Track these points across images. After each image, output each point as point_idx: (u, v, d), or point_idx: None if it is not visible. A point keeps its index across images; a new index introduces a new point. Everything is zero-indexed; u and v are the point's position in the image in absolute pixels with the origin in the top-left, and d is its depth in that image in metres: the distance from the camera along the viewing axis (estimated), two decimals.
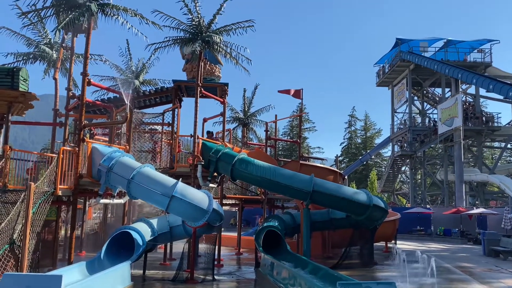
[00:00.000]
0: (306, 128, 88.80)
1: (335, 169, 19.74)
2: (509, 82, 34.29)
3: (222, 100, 17.12)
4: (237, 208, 20.62)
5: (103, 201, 12.79)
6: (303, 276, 9.50)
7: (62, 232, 16.00)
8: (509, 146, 46.08)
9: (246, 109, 23.03)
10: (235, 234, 22.00)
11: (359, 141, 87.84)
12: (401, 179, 55.60)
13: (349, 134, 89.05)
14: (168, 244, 16.90)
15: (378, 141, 73.26)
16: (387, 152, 67.23)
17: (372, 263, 16.39)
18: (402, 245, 25.89)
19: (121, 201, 13.55)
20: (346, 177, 49.98)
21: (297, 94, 21.42)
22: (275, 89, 21.72)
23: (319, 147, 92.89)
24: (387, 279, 13.09)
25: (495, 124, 40.77)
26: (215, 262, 16.09)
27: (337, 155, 29.19)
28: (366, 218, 15.31)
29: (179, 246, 17.92)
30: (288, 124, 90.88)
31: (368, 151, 62.83)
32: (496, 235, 21.40)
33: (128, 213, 14.66)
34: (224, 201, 22.38)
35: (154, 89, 17.60)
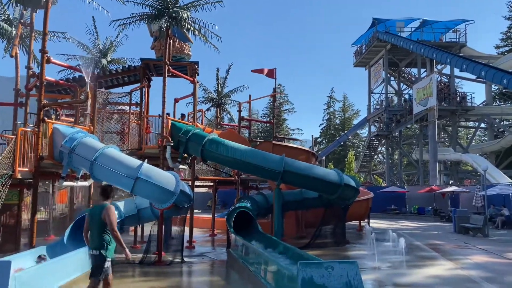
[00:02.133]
0: (285, 110, 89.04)
1: (308, 149, 19.61)
2: (482, 62, 34.60)
3: (192, 79, 16.69)
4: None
5: (66, 183, 12.38)
6: (267, 256, 9.35)
7: (27, 216, 15.49)
8: (482, 125, 46.80)
9: (220, 90, 22.61)
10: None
11: (338, 122, 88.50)
12: (378, 159, 56.18)
13: (328, 116, 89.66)
14: (139, 227, 16.63)
15: (356, 122, 73.75)
16: (364, 132, 67.87)
17: (344, 242, 16.43)
18: (376, 224, 26.16)
19: (86, 183, 13.15)
20: (324, 157, 50.19)
21: (271, 73, 21.07)
22: (250, 70, 21.33)
23: (298, 129, 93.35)
24: (357, 258, 13.12)
25: (469, 104, 41.30)
26: (187, 244, 15.99)
27: (312, 135, 29.11)
28: (338, 197, 15.28)
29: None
30: (268, 105, 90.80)
31: (346, 131, 63.03)
32: (466, 213, 21.73)
33: (94, 196, 14.27)
34: (201, 183, 22.18)
35: (121, 68, 17.04)
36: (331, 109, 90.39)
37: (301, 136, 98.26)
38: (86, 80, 11.44)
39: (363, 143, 73.49)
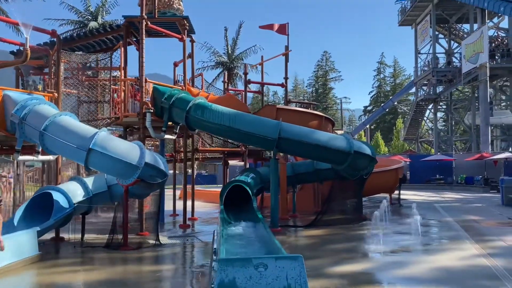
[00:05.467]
0: (332, 78, 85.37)
1: (321, 114, 17.20)
2: None
3: (180, 36, 14.69)
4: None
5: (22, 158, 10.95)
6: (221, 240, 7.44)
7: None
8: None
9: (230, 52, 20.46)
10: None
11: (388, 88, 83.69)
12: (426, 127, 51.87)
13: (378, 82, 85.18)
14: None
15: None
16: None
17: (359, 218, 14.17)
18: (413, 196, 23.55)
19: (50, 157, 11.67)
20: (368, 126, 46.86)
21: (282, 29, 18.64)
22: (259, 26, 18.91)
23: (345, 97, 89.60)
24: (359, 239, 10.92)
25: None
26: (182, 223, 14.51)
27: (341, 99, 26.35)
28: (348, 167, 13.00)
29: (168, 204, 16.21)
30: (313, 75, 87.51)
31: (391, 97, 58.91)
32: None
33: (62, 171, 12.83)
34: (213, 155, 20.54)
35: (101, 28, 15.34)
36: (381, 75, 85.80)
37: (349, 105, 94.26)
38: (25, 36, 9.79)
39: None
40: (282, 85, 18.99)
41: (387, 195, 19.96)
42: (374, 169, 15.85)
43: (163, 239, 11.68)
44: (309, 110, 18.18)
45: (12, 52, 14.81)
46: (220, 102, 14.74)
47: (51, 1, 19.55)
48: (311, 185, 17.83)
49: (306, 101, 43.35)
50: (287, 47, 18.54)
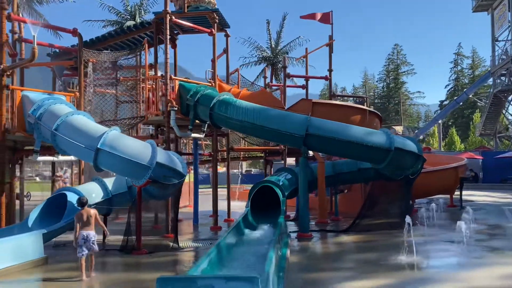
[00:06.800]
0: (404, 72, 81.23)
1: (365, 108, 15.66)
2: None
3: (209, 30, 14.05)
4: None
5: (41, 158, 10.91)
6: (209, 251, 6.62)
7: None
8: None
9: (273, 46, 19.53)
10: None
11: (467, 81, 78.11)
12: (506, 121, 47.14)
13: (455, 75, 79.88)
14: None
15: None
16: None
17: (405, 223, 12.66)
18: (483, 197, 21.23)
19: (71, 158, 11.56)
20: (440, 121, 43.34)
21: (325, 18, 17.41)
22: (300, 16, 17.79)
23: (419, 92, 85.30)
24: (392, 248, 9.52)
25: None
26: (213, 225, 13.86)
27: (400, 92, 24.32)
28: (390, 165, 11.60)
29: (205, 205, 15.75)
30: (384, 69, 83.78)
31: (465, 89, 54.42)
32: None
33: (85, 172, 12.66)
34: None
35: (132, 26, 15.10)
36: (459, 67, 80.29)
37: (423, 100, 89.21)
38: (33, 34, 9.62)
39: None
40: (326, 78, 17.75)
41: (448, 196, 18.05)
42: (428, 168, 14.27)
43: (186, 242, 11.16)
44: (350, 104, 16.80)
45: (48, 54, 15.06)
46: (252, 98, 13.91)
47: (93, 4, 20.12)
48: (359, 187, 16.47)
49: (360, 94, 40.96)
50: (331, 37, 17.26)
